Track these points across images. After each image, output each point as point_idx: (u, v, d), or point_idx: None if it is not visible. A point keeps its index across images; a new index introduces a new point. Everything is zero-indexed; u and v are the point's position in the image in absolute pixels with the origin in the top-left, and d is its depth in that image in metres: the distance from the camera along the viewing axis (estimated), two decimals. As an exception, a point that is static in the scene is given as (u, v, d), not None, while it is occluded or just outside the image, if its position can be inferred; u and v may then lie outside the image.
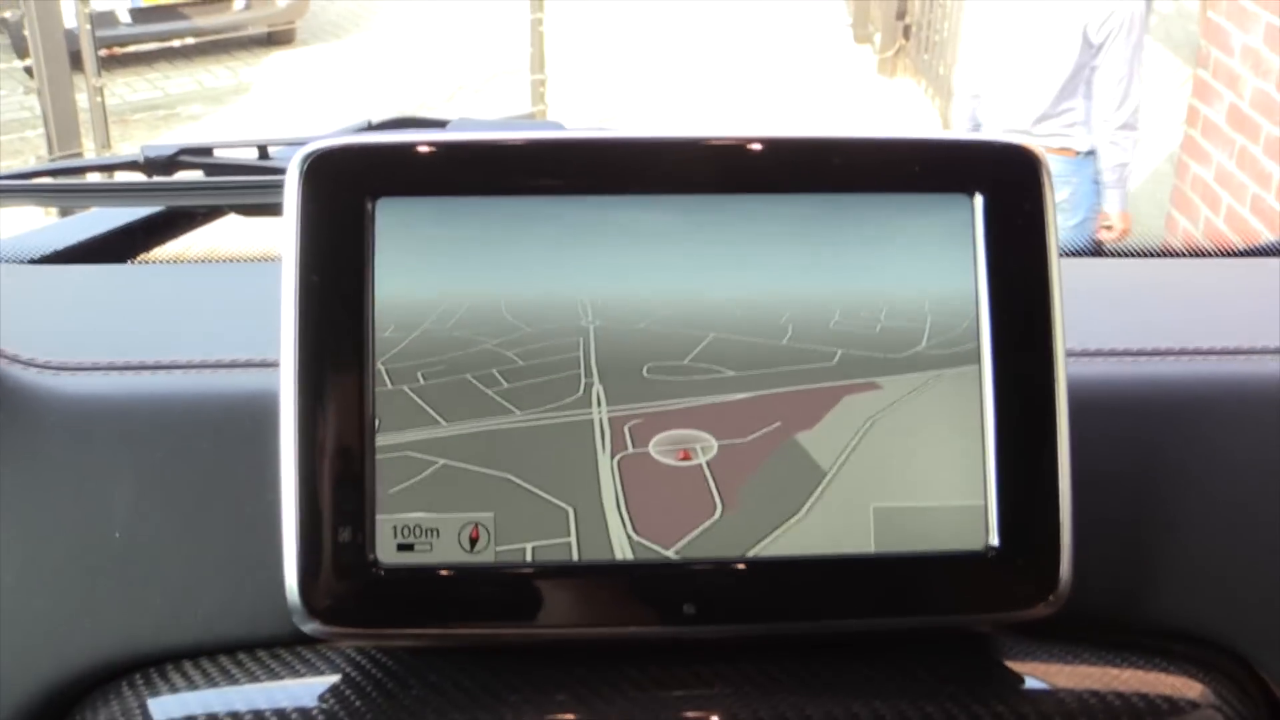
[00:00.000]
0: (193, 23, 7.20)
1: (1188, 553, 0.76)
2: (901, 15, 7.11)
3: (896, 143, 0.70)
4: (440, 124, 1.06)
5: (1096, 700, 0.70)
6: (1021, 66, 3.53)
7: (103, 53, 5.78)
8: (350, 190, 0.67)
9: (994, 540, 0.68)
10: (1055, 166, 3.44)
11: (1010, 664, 0.73)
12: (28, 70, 5.45)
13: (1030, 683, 0.72)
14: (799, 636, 0.71)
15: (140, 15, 7.17)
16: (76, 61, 5.40)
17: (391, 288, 0.67)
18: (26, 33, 5.20)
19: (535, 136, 0.69)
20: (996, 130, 3.59)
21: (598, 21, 8.09)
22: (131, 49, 6.85)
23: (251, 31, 7.60)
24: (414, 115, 1.08)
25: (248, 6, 7.48)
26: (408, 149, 0.68)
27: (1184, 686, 0.73)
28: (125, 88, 7.03)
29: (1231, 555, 0.76)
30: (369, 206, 0.67)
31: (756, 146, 0.69)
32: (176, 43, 6.88)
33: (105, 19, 6.54)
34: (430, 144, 0.68)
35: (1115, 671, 0.73)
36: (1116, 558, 0.76)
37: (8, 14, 5.69)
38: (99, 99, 5.65)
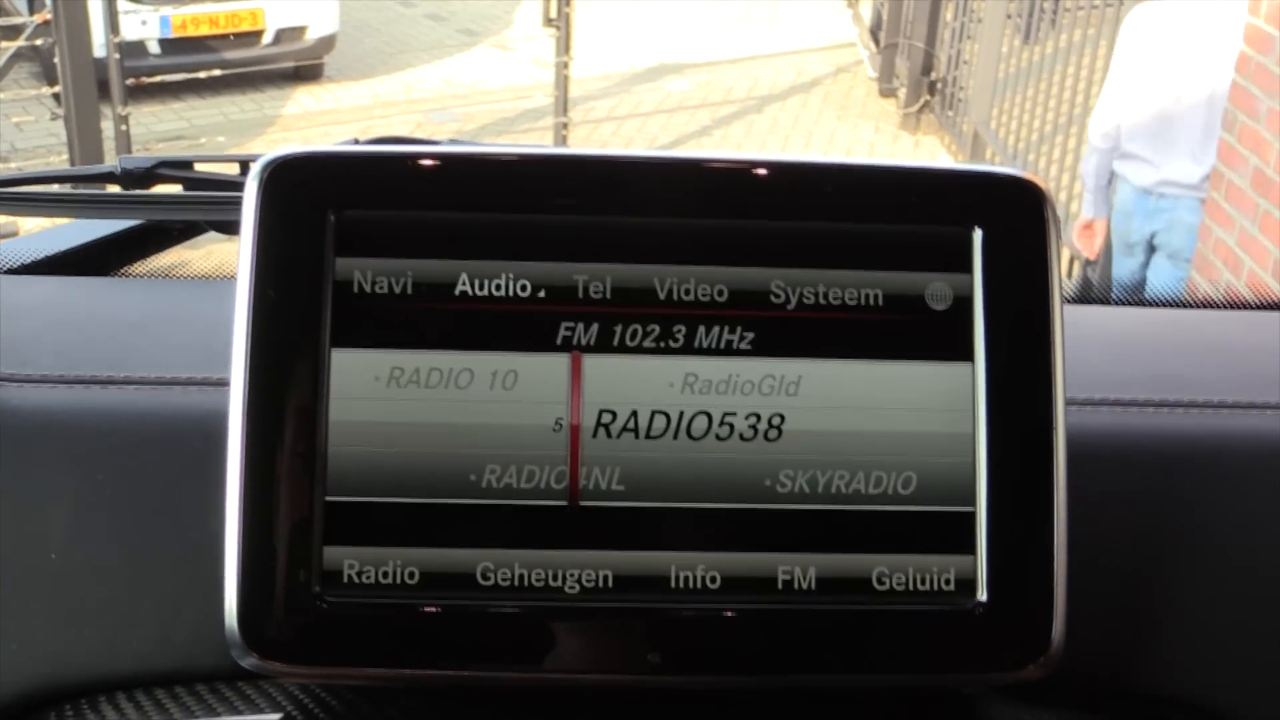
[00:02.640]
0: (220, 56, 7.23)
1: (1190, 616, 0.72)
2: (927, 71, 7.10)
3: (892, 170, 0.66)
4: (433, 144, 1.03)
5: None
6: (1190, 114, 3.50)
7: (130, 82, 5.79)
8: (311, 201, 0.63)
9: (982, 596, 0.63)
10: (1196, 218, 3.41)
11: None
12: (55, 97, 5.46)
13: None
14: (771, 691, 0.67)
15: (169, 46, 7.19)
16: (104, 90, 5.41)
17: None
18: (56, 60, 5.21)
19: (507, 151, 0.65)
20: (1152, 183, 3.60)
21: (613, 81, 8.10)
22: (159, 79, 6.86)
23: (279, 66, 7.63)
24: (407, 136, 1.04)
25: (276, 42, 7.50)
26: (373, 160, 0.65)
27: None
28: (151, 117, 7.05)
29: (1236, 620, 0.72)
30: (330, 219, 0.63)
31: (742, 170, 0.65)
32: (204, 75, 6.90)
33: (134, 49, 6.56)
34: (396, 155, 0.65)
35: None
36: (1113, 618, 0.72)
37: (39, 41, 5.71)
38: (124, 127, 5.66)
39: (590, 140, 6.95)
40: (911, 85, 7.22)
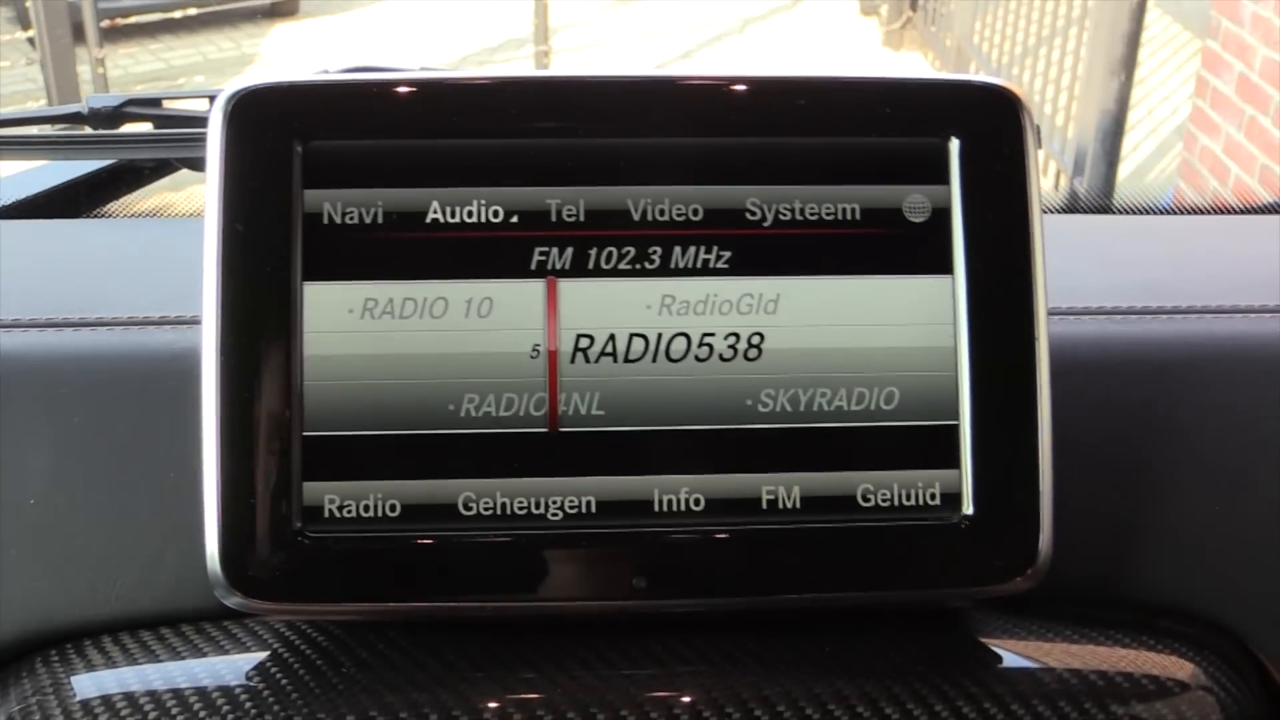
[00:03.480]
0: (196, -6, 7.17)
1: (1179, 523, 0.72)
2: (909, -13, 7.05)
3: (866, 83, 0.65)
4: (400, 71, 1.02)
5: (1078, 680, 0.66)
6: None
7: (105, 24, 5.73)
8: (277, 133, 0.62)
9: (969, 509, 0.63)
10: None
11: (985, 641, 0.68)
12: (30, 41, 5.41)
13: (1007, 661, 0.67)
14: (758, 612, 0.67)
15: (143, -14, 7.13)
16: (79, 33, 5.36)
17: None
18: (29, 4, 5.15)
19: (477, 76, 0.64)
20: None
21: (594, 7, 8.04)
22: (134, 20, 6.79)
23: (255, 3, 7.56)
24: (376, 65, 1.03)
25: (251, -22, 7.45)
26: (340, 89, 0.64)
27: (1172, 666, 0.69)
28: (128, 59, 6.98)
29: (1225, 526, 0.72)
30: (298, 150, 0.62)
31: (716, 87, 0.64)
32: (179, 14, 6.83)
33: (108, -10, 6.50)
34: (364, 84, 0.64)
35: (1098, 650, 0.69)
36: (1101, 528, 0.72)
37: (10, -15, 5.67)
38: (101, 70, 5.61)
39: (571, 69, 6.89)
40: (893, 2, 7.16)
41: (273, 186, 0.62)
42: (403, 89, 0.63)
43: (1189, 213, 1.13)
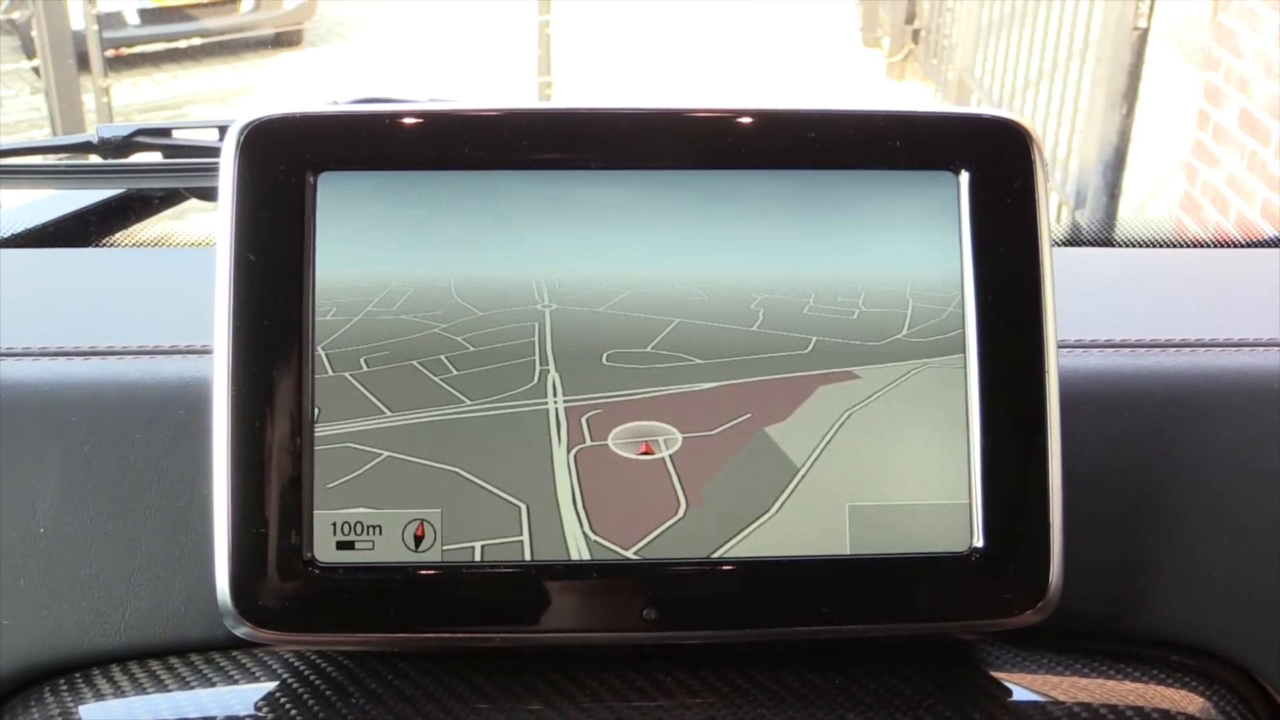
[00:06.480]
0: (200, 24, 7.18)
1: (1186, 556, 0.72)
2: (911, 19, 7.06)
3: (875, 115, 0.65)
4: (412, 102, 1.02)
5: (1088, 714, 0.66)
6: None
7: (110, 53, 5.75)
8: (290, 163, 0.62)
9: (978, 542, 0.63)
10: None
11: (995, 675, 0.68)
12: (35, 71, 5.43)
13: (1017, 695, 0.67)
14: (768, 644, 0.67)
15: (148, 16, 7.13)
16: (84, 62, 5.38)
17: (333, 267, 0.63)
18: (34, 33, 5.17)
19: (488, 107, 0.64)
20: None
21: (602, 19, 8.07)
22: (139, 50, 6.81)
23: (259, 33, 7.58)
24: (385, 95, 1.03)
25: (255, 8, 7.44)
26: (352, 119, 0.64)
27: (1182, 699, 0.69)
28: (132, 88, 7.00)
29: (1234, 559, 0.72)
30: (310, 180, 0.62)
31: (725, 119, 0.65)
32: (184, 44, 6.85)
33: (113, 20, 6.53)
34: (376, 115, 0.64)
35: (1108, 683, 0.68)
36: (1110, 561, 0.71)
37: (15, 15, 5.68)
38: (105, 99, 5.63)
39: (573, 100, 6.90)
40: (895, 34, 7.18)
41: (285, 216, 0.62)
42: (415, 120, 0.64)
43: (1191, 246, 1.14)
